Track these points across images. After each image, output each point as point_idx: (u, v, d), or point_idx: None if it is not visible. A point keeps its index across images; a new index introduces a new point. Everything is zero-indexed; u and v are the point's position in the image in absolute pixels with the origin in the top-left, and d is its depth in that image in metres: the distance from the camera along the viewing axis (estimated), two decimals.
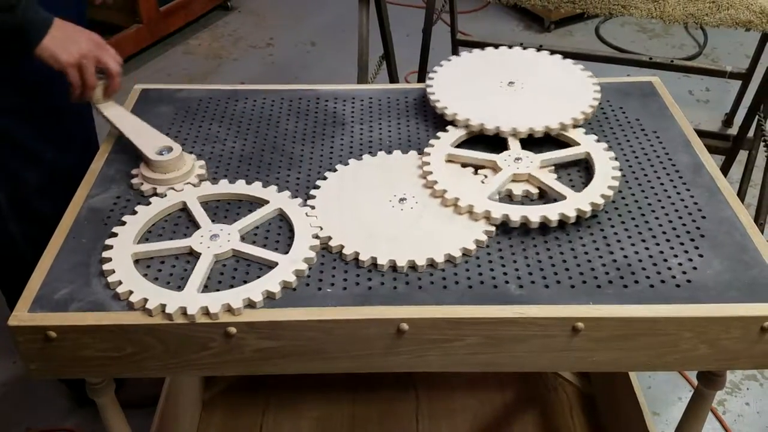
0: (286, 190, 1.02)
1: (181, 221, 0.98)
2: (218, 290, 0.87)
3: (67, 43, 1.03)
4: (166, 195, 1.01)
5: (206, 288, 0.88)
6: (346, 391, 1.47)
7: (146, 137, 1.07)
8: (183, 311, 0.84)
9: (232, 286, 0.87)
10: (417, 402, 1.45)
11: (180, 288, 0.88)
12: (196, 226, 0.96)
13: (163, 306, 0.84)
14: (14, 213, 1.24)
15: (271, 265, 0.89)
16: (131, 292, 0.86)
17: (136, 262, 0.91)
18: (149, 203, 0.99)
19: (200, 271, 0.88)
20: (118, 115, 1.12)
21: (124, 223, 0.96)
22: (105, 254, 0.91)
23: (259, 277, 0.88)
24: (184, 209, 1.00)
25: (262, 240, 0.95)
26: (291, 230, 0.95)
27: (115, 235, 0.94)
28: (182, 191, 1.01)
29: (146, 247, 0.92)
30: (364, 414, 1.43)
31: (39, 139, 1.21)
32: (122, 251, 0.91)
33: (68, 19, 1.19)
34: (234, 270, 0.90)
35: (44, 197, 1.24)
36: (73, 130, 1.28)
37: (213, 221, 0.97)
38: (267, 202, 0.99)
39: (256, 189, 1.02)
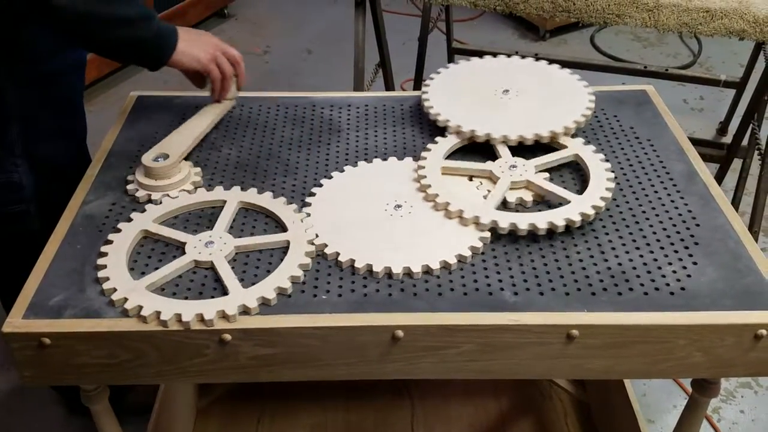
0: (282, 196, 1.02)
1: (176, 226, 0.98)
2: (213, 297, 0.87)
3: (198, 44, 1.08)
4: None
5: (201, 294, 0.88)
6: (341, 398, 1.46)
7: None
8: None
9: (225, 293, 0.87)
10: (412, 409, 1.45)
11: (175, 294, 0.88)
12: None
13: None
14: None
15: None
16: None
17: (132, 269, 0.91)
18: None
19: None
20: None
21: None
22: (100, 261, 0.91)
23: (254, 284, 0.88)
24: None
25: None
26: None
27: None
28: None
29: (141, 249, 0.92)
30: (359, 422, 1.43)
31: (30, 136, 1.21)
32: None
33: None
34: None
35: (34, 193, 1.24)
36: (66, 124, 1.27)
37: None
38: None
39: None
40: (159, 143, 1.08)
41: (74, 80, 1.26)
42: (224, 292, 0.87)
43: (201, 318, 0.84)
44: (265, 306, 0.86)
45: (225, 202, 1.01)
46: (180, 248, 0.94)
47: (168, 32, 1.05)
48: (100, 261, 0.91)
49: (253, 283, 0.88)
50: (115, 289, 0.87)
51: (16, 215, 1.24)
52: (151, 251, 0.94)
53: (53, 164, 1.23)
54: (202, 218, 1.00)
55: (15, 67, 1.12)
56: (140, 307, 0.84)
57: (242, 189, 1.03)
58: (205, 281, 0.90)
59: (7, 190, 1.20)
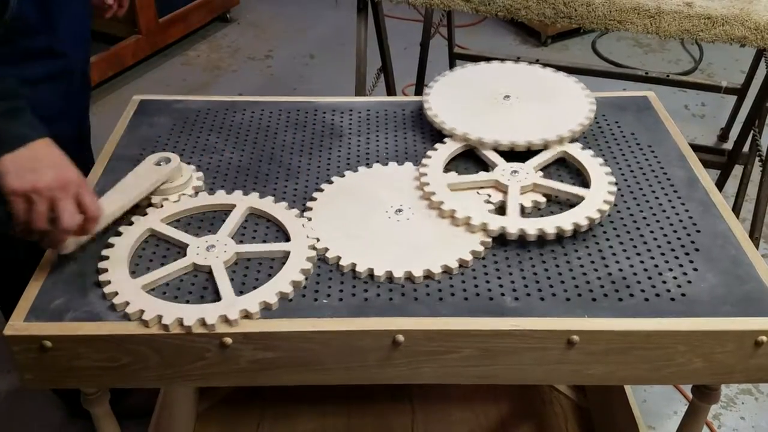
0: (283, 200, 1.02)
1: (178, 230, 0.98)
2: (214, 301, 0.87)
3: (25, 169, 0.85)
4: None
5: (202, 298, 0.88)
6: (341, 403, 1.46)
7: (127, 190, 0.99)
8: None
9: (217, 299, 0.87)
10: (412, 415, 1.45)
11: (177, 298, 0.88)
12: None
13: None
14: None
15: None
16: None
17: (133, 272, 0.91)
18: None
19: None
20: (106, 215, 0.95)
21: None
22: (101, 264, 0.91)
23: (255, 287, 0.88)
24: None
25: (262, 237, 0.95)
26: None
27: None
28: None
29: (142, 253, 0.93)
30: (359, 427, 1.43)
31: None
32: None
33: (74, 29, 1.18)
34: (230, 280, 0.91)
35: None
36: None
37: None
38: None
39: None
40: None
41: (55, 88, 1.20)
42: (217, 297, 0.87)
43: (202, 322, 0.84)
44: (266, 310, 0.86)
45: (234, 206, 1.01)
46: (182, 251, 0.94)
47: (8, 138, 0.86)
48: (102, 264, 0.91)
49: (255, 287, 0.88)
50: (116, 293, 0.87)
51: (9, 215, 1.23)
52: (153, 255, 0.95)
53: None
54: (203, 222, 1.00)
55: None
56: (141, 311, 0.85)
57: (244, 193, 1.04)
58: (207, 284, 0.90)
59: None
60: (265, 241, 0.94)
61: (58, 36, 1.14)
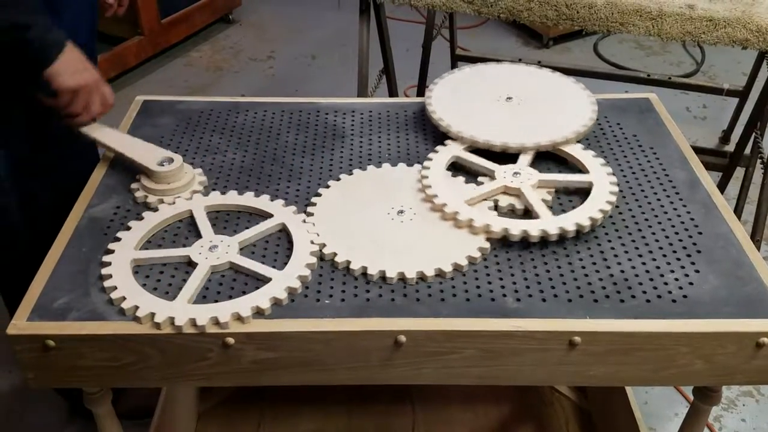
0: (285, 201, 1.03)
1: (182, 231, 0.99)
2: (217, 301, 0.87)
3: (74, 70, 1.05)
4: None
5: (205, 298, 0.88)
6: (342, 403, 1.46)
7: (142, 150, 1.08)
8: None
9: (230, 297, 0.88)
10: (413, 415, 1.45)
11: (176, 298, 0.88)
12: (198, 236, 0.96)
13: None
14: (17, 195, 1.24)
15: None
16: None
17: (136, 272, 0.91)
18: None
19: (195, 281, 0.89)
20: (109, 135, 1.13)
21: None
22: (104, 264, 0.91)
23: (257, 288, 0.88)
24: (183, 219, 1.00)
25: (261, 251, 0.95)
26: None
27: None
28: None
29: (145, 254, 0.93)
30: (360, 427, 1.43)
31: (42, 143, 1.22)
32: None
33: (81, 30, 1.20)
34: (233, 281, 0.91)
35: (47, 190, 1.25)
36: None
37: (196, 236, 0.97)
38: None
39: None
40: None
41: None
42: (241, 291, 0.88)
43: (204, 322, 0.84)
44: (267, 311, 0.86)
45: (191, 211, 1.00)
46: (182, 257, 0.94)
47: (52, 46, 1.04)
48: (105, 264, 0.91)
49: (257, 287, 0.89)
50: (119, 292, 0.87)
51: (21, 221, 1.24)
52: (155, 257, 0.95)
53: (34, 161, 1.23)
54: (180, 229, 0.99)
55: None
56: (144, 310, 0.85)
57: (239, 193, 1.04)
58: (209, 284, 0.90)
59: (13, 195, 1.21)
60: (264, 257, 0.94)
61: (63, 25, 1.14)
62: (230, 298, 0.87)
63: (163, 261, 0.93)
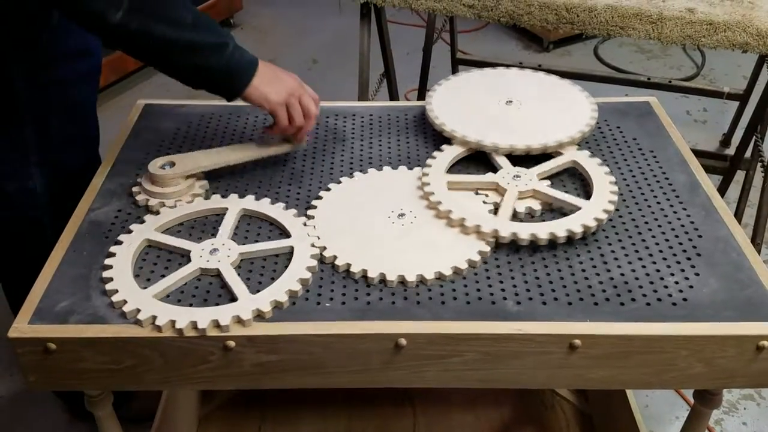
0: (286, 204, 1.03)
1: (182, 234, 0.99)
2: (218, 304, 0.87)
3: (274, 83, 1.03)
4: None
5: (206, 302, 0.89)
6: (342, 407, 1.46)
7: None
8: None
9: (231, 300, 0.88)
10: (414, 418, 1.45)
11: (180, 301, 0.88)
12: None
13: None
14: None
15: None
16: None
17: (137, 275, 0.92)
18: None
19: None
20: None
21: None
22: (105, 267, 0.92)
23: (258, 291, 0.89)
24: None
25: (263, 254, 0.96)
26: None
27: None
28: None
29: (146, 256, 0.93)
30: (361, 430, 1.43)
31: (43, 139, 1.22)
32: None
33: (91, 40, 1.21)
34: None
35: (45, 194, 1.25)
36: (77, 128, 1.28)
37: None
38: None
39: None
40: (181, 155, 1.07)
41: (90, 86, 1.26)
42: (231, 298, 0.88)
43: (205, 325, 0.84)
44: (268, 314, 0.86)
45: (227, 209, 1.01)
46: (185, 256, 0.94)
47: (244, 65, 1.00)
48: (106, 267, 0.92)
49: (258, 291, 0.89)
50: (120, 296, 0.87)
51: (29, 220, 1.25)
52: (157, 258, 0.95)
53: (68, 171, 1.24)
54: (206, 225, 1.01)
55: (31, 70, 1.12)
56: (145, 313, 0.85)
57: (240, 197, 1.04)
58: (210, 288, 0.91)
59: (22, 196, 1.21)
60: (265, 260, 0.94)
61: (89, 35, 1.15)
62: (231, 301, 0.88)
63: (165, 264, 0.94)
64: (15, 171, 1.20)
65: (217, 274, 0.92)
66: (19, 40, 1.08)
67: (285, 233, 0.98)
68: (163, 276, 0.92)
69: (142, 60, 0.99)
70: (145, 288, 0.89)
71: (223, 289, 0.90)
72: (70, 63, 1.18)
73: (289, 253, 0.95)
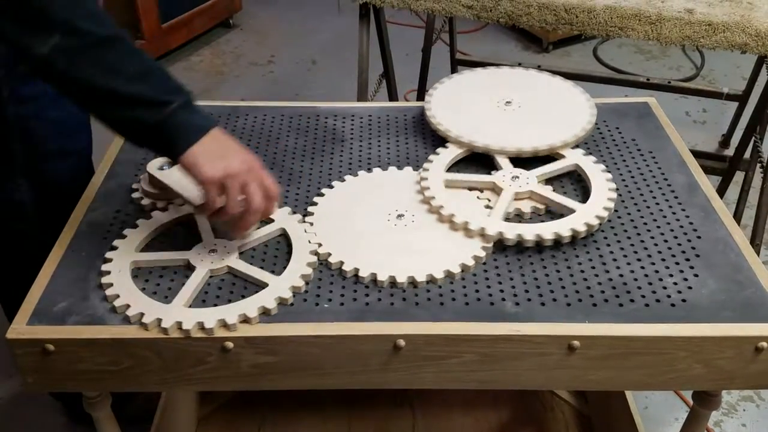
0: (285, 205, 1.03)
1: (181, 235, 0.99)
2: (216, 305, 0.87)
3: (217, 158, 0.86)
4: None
5: (204, 302, 0.88)
6: (341, 408, 1.46)
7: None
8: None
9: (230, 300, 0.88)
10: (413, 420, 1.45)
11: (205, 302, 0.88)
12: (199, 240, 0.96)
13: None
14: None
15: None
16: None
17: (135, 276, 0.92)
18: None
19: (193, 284, 0.89)
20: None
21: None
22: (104, 268, 0.92)
23: (257, 291, 0.89)
24: (184, 223, 1.00)
25: (261, 255, 0.96)
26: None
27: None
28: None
29: (145, 257, 0.93)
30: (360, 431, 1.43)
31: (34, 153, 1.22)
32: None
33: None
34: (232, 284, 0.91)
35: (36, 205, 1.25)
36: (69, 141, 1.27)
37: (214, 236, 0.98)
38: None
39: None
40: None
41: None
42: (240, 295, 0.88)
43: (203, 326, 0.84)
44: (266, 315, 0.86)
45: (191, 215, 1.00)
46: (182, 260, 0.94)
47: (187, 128, 0.86)
48: (105, 268, 0.91)
49: (256, 291, 0.89)
50: (118, 296, 0.87)
51: (16, 233, 1.24)
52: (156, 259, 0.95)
53: (57, 184, 1.23)
54: (180, 233, 0.99)
55: (17, 84, 1.11)
56: (143, 314, 0.85)
57: None
58: (208, 288, 0.90)
59: (8, 208, 1.21)
60: (264, 261, 0.94)
61: None
62: (229, 302, 0.88)
63: (163, 264, 0.94)
64: (2, 183, 1.19)
65: (228, 271, 0.92)
66: (2, 54, 1.07)
67: (284, 233, 0.98)
68: (162, 276, 0.92)
69: (72, 102, 0.88)
70: (169, 304, 0.88)
71: (220, 289, 0.90)
72: None
73: (288, 253, 0.94)
